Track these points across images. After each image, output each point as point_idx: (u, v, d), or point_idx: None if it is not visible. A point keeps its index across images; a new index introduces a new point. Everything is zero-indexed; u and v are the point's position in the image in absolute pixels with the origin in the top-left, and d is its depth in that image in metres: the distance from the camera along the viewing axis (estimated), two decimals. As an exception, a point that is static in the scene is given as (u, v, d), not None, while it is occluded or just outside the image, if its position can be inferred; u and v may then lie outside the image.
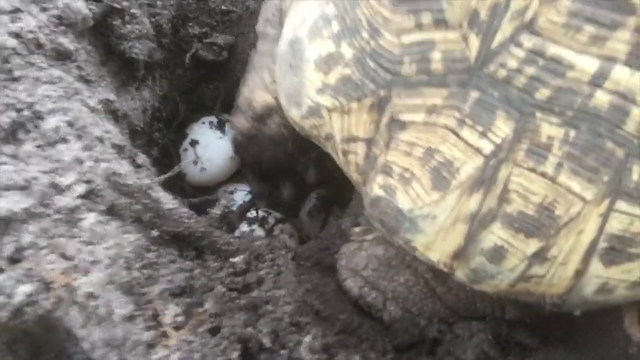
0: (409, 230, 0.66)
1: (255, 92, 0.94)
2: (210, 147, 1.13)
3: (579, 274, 0.63)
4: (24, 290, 0.59)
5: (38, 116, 0.66)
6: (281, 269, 0.69)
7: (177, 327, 0.59)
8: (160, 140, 1.02)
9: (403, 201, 0.66)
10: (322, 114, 0.69)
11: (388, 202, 0.67)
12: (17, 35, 0.66)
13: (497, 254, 0.64)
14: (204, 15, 0.97)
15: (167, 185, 0.88)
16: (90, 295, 0.58)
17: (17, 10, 0.68)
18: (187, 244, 0.69)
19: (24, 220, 0.60)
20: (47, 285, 0.59)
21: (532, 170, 0.61)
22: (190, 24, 0.95)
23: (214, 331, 0.59)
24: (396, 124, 0.64)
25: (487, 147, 0.62)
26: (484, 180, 0.62)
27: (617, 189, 0.61)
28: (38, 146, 0.66)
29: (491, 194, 0.63)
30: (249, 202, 1.13)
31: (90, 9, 0.74)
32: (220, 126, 1.13)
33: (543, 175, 0.61)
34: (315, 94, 0.68)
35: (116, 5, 0.75)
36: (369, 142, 0.68)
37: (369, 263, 0.75)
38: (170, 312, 0.60)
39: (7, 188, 0.62)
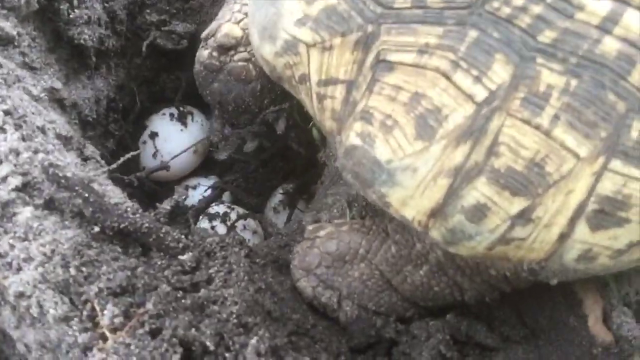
0: (386, 183, 0.61)
1: (222, 24, 0.88)
2: (170, 140, 1.09)
3: (563, 237, 0.59)
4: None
5: (-30, 103, 0.62)
6: (232, 267, 0.66)
7: (115, 329, 0.56)
8: (117, 132, 0.98)
9: (382, 151, 0.60)
10: (299, 51, 0.63)
11: (365, 151, 0.61)
12: (-51, 17, 0.62)
13: (478, 213, 0.59)
14: (162, 2, 0.93)
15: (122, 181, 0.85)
16: (22, 295, 0.54)
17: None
18: (133, 241, 0.65)
19: (-48, 214, 0.57)
20: (-24, 284, 0.56)
21: (527, 121, 0.56)
22: (148, 11, 0.91)
23: (154, 333, 0.56)
24: (382, 65, 0.59)
25: (480, 94, 0.57)
26: (473, 131, 0.58)
27: (613, 147, 0.57)
28: (-28, 135, 0.62)
29: (479, 146, 0.58)
30: (211, 196, 1.10)
31: (34, -8, 0.70)
32: (181, 118, 1.09)
33: (537, 127, 0.57)
34: (294, 26, 0.62)
35: (64, -12, 0.72)
36: (350, 85, 0.62)
37: (322, 260, 0.72)
38: (109, 313, 0.56)
39: None
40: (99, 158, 0.76)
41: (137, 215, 0.65)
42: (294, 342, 0.61)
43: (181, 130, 1.07)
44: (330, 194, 0.88)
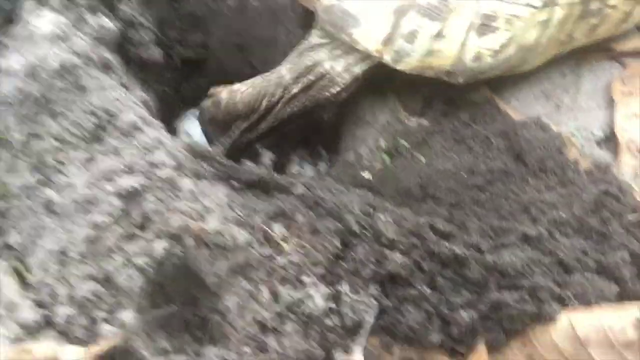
0: (353, 25, 0.92)
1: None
2: (200, 136, 1.28)
3: (463, 46, 0.91)
4: (161, 245, 0.73)
5: (113, 116, 0.79)
6: (331, 189, 0.88)
7: (286, 238, 0.77)
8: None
9: (349, 4, 0.93)
10: None
11: (338, 6, 0.94)
12: (77, 54, 0.79)
13: (412, 36, 0.90)
14: (176, 20, 1.11)
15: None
16: (219, 232, 0.73)
17: (66, 34, 0.80)
18: (256, 189, 0.86)
19: (142, 193, 0.74)
20: (177, 238, 0.74)
21: None
22: (169, 29, 1.09)
23: (313, 232, 0.77)
24: None
25: None
26: None
27: None
28: (120, 139, 0.79)
29: None
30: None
31: (115, 25, 0.87)
32: (205, 117, 1.28)
33: None
34: None
35: (133, 19, 0.89)
36: None
37: None
38: (277, 229, 0.77)
39: (116, 174, 0.75)
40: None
41: (256, 169, 0.85)
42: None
43: (206, 127, 1.26)
44: (357, 134, 1.11)
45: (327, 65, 0.99)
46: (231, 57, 1.21)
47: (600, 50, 1.12)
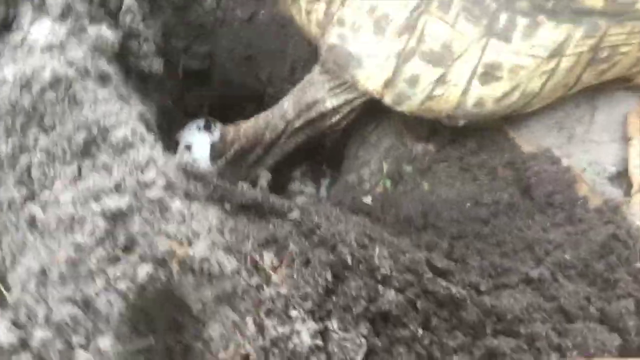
0: (356, 67, 0.93)
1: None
2: (204, 149, 1.26)
3: (465, 92, 0.91)
4: (144, 270, 0.70)
5: (105, 130, 0.76)
6: (328, 214, 0.85)
7: (275, 268, 0.74)
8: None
9: (352, 45, 0.93)
10: None
11: (341, 46, 0.94)
12: (71, 64, 0.76)
13: (414, 80, 0.91)
14: (182, 30, 1.09)
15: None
16: (204, 259, 0.71)
17: (62, 44, 0.77)
18: (250, 211, 0.83)
19: (128, 214, 0.71)
20: (162, 262, 0.71)
21: (441, 18, 0.88)
22: (174, 39, 1.06)
23: (305, 263, 0.74)
24: None
25: (411, 3, 0.90)
26: (408, 27, 0.90)
27: (490, 31, 0.88)
28: (111, 155, 0.76)
29: (413, 36, 0.90)
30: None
31: (114, 35, 0.84)
32: (208, 127, 1.25)
33: (447, 22, 0.88)
34: None
35: (134, 29, 0.87)
36: (329, 3, 0.96)
37: None
38: (267, 258, 0.74)
39: (103, 192, 0.72)
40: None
41: (251, 191, 0.82)
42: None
43: (209, 137, 1.23)
44: (361, 155, 1.09)
45: (327, 104, 1.02)
46: (237, 68, 1.19)
47: (617, 82, 1.08)
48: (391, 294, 0.72)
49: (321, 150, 1.27)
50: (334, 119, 1.03)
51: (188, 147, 1.19)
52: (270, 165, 1.09)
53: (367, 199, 0.99)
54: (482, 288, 0.78)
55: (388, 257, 0.75)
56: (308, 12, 0.99)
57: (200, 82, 1.16)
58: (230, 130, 1.10)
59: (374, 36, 0.92)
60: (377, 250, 0.76)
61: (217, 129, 1.24)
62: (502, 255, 0.86)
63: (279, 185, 1.40)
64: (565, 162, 0.98)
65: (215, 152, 1.12)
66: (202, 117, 1.22)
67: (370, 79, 0.93)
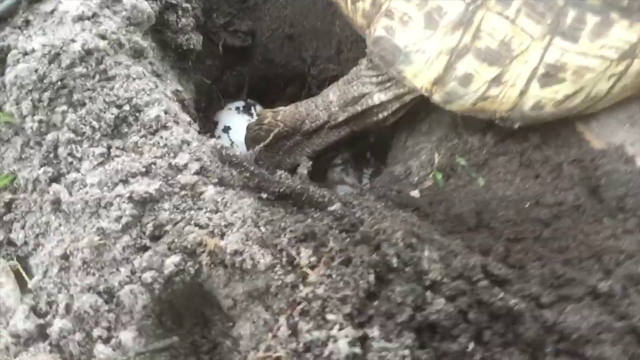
0: (403, 62, 0.86)
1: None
2: (242, 131, 1.20)
3: (522, 93, 0.84)
4: (172, 261, 0.65)
5: (138, 109, 0.71)
6: (372, 209, 0.78)
7: (313, 266, 0.67)
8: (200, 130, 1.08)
9: (400, 39, 0.86)
10: None
11: (388, 40, 0.86)
12: (103, 37, 0.71)
13: (466, 79, 0.84)
14: (225, 5, 1.03)
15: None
16: (236, 252, 0.65)
17: (95, 15, 0.72)
18: (287, 202, 0.77)
19: (158, 199, 0.66)
20: (192, 253, 0.66)
21: (499, 14, 0.81)
22: (215, 14, 1.01)
23: (345, 263, 0.68)
24: None
25: None
26: (463, 22, 0.82)
27: (555, 29, 0.81)
28: (143, 136, 0.72)
29: (468, 32, 0.83)
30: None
31: (151, 7, 0.79)
32: (247, 110, 1.20)
33: (506, 18, 0.81)
34: None
35: (172, 0, 0.81)
36: None
37: None
38: (304, 255, 0.67)
39: (132, 175, 0.68)
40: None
41: (289, 180, 0.76)
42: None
43: (248, 120, 1.18)
44: (410, 145, 1.01)
45: (375, 98, 0.96)
46: (280, 47, 1.12)
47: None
48: (440, 302, 0.64)
49: (365, 137, 1.20)
50: (381, 115, 0.96)
51: (226, 130, 1.14)
52: (308, 154, 1.04)
53: (415, 193, 0.91)
54: (543, 300, 0.70)
55: (438, 260, 0.67)
56: (354, 1, 0.91)
57: (240, 61, 1.11)
58: (268, 114, 1.04)
59: (425, 30, 0.84)
60: (426, 251, 0.68)
61: (257, 112, 1.19)
62: (565, 263, 0.77)
63: (318, 172, 1.34)
64: (639, 161, 0.88)
65: (251, 136, 1.05)
66: (242, 99, 1.17)
67: (419, 75, 0.86)
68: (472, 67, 0.83)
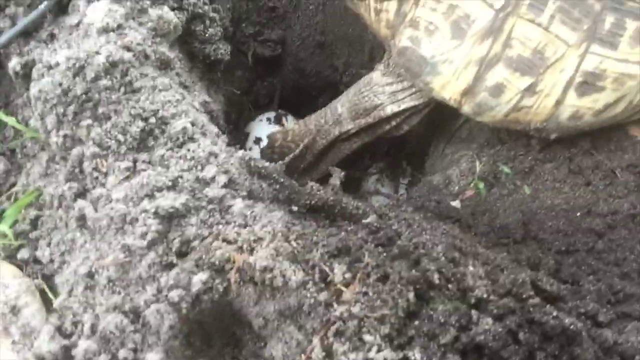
0: (430, 73, 0.82)
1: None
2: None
3: (558, 103, 0.80)
4: (199, 278, 0.62)
5: (164, 121, 0.69)
6: (409, 222, 0.73)
7: (347, 284, 0.63)
8: (231, 142, 1.06)
9: (426, 49, 0.82)
10: None
11: (414, 50, 0.83)
12: (128, 49, 0.70)
13: (498, 90, 0.80)
14: (254, 15, 1.01)
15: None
16: (266, 269, 0.62)
17: (120, 26, 0.71)
18: (319, 215, 0.73)
19: (185, 214, 0.64)
20: (220, 270, 0.63)
21: (531, 21, 0.77)
22: (244, 24, 0.99)
23: (382, 279, 0.63)
24: None
25: (497, 3, 0.78)
26: (493, 30, 0.79)
27: (593, 35, 0.77)
28: (169, 149, 0.69)
29: (498, 41, 0.79)
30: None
31: (178, 18, 0.77)
32: (278, 121, 1.18)
33: (539, 25, 0.77)
34: None
35: (199, 10, 0.79)
36: (400, 1, 0.85)
37: None
38: (338, 271, 0.63)
39: (158, 189, 0.65)
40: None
41: (321, 191, 0.72)
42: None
43: (280, 132, 1.16)
44: (449, 153, 0.96)
45: (387, 110, 0.92)
46: (311, 56, 1.10)
47: None
48: (487, 322, 0.59)
49: (401, 145, 1.16)
50: (394, 123, 0.93)
51: (257, 141, 1.12)
52: (324, 171, 1.00)
53: (456, 204, 0.86)
54: (601, 318, 0.64)
55: (484, 276, 0.62)
56: (378, 11, 0.87)
57: (271, 71, 1.08)
58: (278, 136, 1.01)
59: (452, 40, 0.80)
60: (470, 267, 0.63)
61: (289, 122, 1.16)
62: (622, 277, 0.71)
63: (351, 183, 1.30)
64: (702, 166, 0.81)
65: (265, 159, 1.04)
66: (273, 109, 1.14)
67: (447, 87, 0.82)
68: (504, 76, 0.80)
